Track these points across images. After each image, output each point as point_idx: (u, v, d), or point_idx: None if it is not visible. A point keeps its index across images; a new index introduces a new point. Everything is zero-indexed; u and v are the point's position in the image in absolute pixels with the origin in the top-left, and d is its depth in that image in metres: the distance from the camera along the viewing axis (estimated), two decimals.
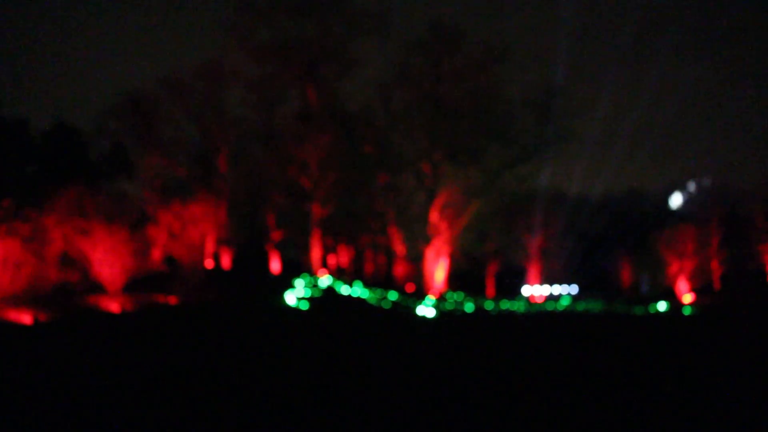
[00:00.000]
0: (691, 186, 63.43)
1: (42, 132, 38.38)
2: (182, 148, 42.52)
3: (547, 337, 23.66)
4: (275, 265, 42.10)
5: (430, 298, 40.78)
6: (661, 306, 41.39)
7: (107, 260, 25.07)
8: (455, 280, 47.99)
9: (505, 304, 43.90)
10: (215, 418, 9.64)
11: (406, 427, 9.36)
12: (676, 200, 62.18)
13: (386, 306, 35.38)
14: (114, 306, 23.22)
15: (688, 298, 44.73)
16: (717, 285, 46.66)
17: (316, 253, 42.04)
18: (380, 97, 45.46)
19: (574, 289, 59.69)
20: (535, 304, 48.08)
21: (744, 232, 45.74)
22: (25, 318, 19.44)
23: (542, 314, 38.86)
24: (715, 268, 46.83)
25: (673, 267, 46.61)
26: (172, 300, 25.91)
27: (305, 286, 34.58)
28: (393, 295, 39.33)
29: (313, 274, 40.08)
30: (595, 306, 43.84)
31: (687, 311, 38.94)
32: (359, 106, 45.91)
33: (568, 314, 39.05)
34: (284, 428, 9.18)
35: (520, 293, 54.31)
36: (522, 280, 55.57)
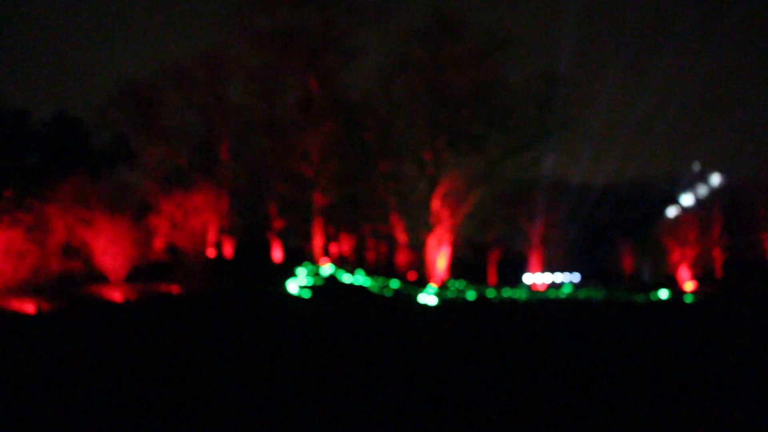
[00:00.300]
0: (696, 167, 63.19)
1: (44, 122, 38.53)
2: (184, 137, 42.55)
3: (549, 325, 23.73)
4: (277, 254, 42.17)
5: (432, 286, 40.85)
6: (663, 294, 41.42)
7: (109, 250, 25.17)
8: (457, 268, 48.04)
9: (507, 292, 43.97)
10: (218, 407, 9.71)
11: (409, 415, 9.42)
12: (687, 199, 62.01)
13: (388, 294, 35.46)
14: (116, 295, 23.31)
15: (689, 285, 44.74)
16: (719, 273, 46.62)
17: (318, 242, 42.11)
18: (382, 85, 45.32)
19: (576, 277, 59.77)
20: (537, 292, 48.13)
21: (746, 220, 45.66)
22: (28, 307, 19.53)
23: (544, 302, 38.93)
24: (717, 256, 46.74)
25: (675, 255, 46.58)
26: (175, 289, 26.00)
27: (307, 275, 34.67)
28: (395, 283, 39.40)
29: (315, 262, 40.17)
30: (596, 294, 43.90)
31: (688, 299, 38.97)
32: (361, 95, 45.88)
33: (569, 302, 39.11)
34: (287, 417, 9.25)
35: (521, 281, 54.37)
36: (524, 268, 55.64)
